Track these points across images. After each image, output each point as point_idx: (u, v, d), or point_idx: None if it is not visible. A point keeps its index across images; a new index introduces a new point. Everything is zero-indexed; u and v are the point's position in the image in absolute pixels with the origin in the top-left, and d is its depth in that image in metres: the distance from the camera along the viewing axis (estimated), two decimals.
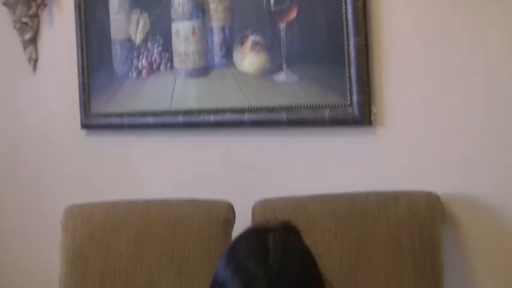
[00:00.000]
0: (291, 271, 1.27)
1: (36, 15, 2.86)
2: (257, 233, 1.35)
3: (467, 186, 1.81)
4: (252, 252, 1.30)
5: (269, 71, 2.14)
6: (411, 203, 1.80)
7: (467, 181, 1.81)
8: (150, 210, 1.95)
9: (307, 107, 2.04)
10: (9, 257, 3.21)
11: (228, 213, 1.92)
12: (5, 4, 2.90)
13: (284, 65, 2.10)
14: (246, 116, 2.19)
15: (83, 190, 2.69)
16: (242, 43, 2.21)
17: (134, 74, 2.52)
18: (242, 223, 1.50)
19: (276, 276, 1.25)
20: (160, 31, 2.44)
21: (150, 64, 2.49)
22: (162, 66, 2.45)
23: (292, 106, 2.08)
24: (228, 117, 2.25)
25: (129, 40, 2.54)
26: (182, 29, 2.37)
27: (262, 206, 1.89)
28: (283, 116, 2.09)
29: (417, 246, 1.77)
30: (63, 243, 1.93)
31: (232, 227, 1.91)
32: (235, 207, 1.94)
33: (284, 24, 2.09)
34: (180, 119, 2.37)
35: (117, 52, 2.59)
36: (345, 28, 1.95)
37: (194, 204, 1.97)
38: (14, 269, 3.19)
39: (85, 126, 2.68)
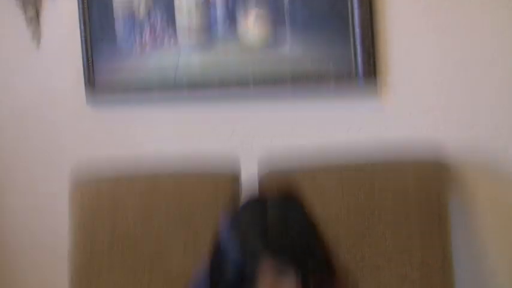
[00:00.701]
0: (290, 238, 1.29)
1: None
2: (257, 202, 1.38)
3: (476, 151, 1.81)
4: (252, 220, 1.32)
5: (273, 43, 2.14)
6: (418, 169, 1.80)
7: (476, 146, 1.81)
8: (156, 183, 1.95)
9: (312, 78, 2.04)
10: (19, 230, 3.23)
11: (234, 184, 1.93)
12: None
13: (288, 37, 2.10)
14: (251, 89, 2.19)
15: (89, 165, 2.69)
16: (246, 16, 2.20)
17: (138, 49, 2.52)
18: (249, 194, 1.51)
19: (275, 244, 1.27)
20: (163, 5, 2.43)
21: (154, 39, 2.48)
22: (165, 41, 2.44)
23: (297, 78, 2.08)
24: (233, 90, 2.24)
25: (132, 15, 2.53)
26: (185, 3, 2.35)
27: (269, 177, 1.90)
28: (288, 87, 2.09)
29: (424, 213, 1.77)
30: (71, 218, 1.94)
31: (239, 198, 1.91)
32: (241, 179, 1.94)
33: None
34: (185, 93, 2.37)
35: (120, 28, 2.58)
36: None
37: (201, 176, 1.98)
38: (24, 240, 3.21)
39: (90, 101, 2.68)
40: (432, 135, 1.88)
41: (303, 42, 2.07)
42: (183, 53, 2.38)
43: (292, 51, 2.09)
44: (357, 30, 1.94)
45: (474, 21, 1.78)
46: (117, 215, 1.92)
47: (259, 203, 1.38)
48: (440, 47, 1.84)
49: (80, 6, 2.66)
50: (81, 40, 2.67)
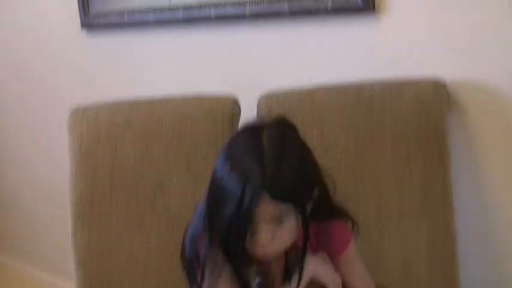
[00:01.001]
0: (286, 168, 1.29)
1: None
2: (252, 131, 1.36)
3: (474, 71, 1.79)
4: (247, 150, 1.31)
5: None
6: (417, 90, 1.79)
7: (474, 66, 1.78)
8: (155, 109, 1.94)
9: None
10: (20, 162, 3.25)
11: (233, 108, 1.91)
12: None
13: None
14: (248, 9, 2.14)
15: (87, 90, 2.69)
16: None
17: None
18: (248, 117, 1.50)
19: (272, 174, 1.26)
20: None
21: None
22: None
23: None
24: (229, 10, 2.20)
25: None
26: None
27: (267, 99, 1.88)
28: (285, 7, 2.05)
29: (424, 134, 1.77)
30: (70, 146, 1.94)
31: (238, 122, 1.91)
32: (240, 102, 1.93)
33: None
34: (181, 14, 2.33)
35: None
36: None
37: (199, 100, 1.96)
38: (24, 172, 3.24)
39: (85, 25, 2.65)
40: (431, 51, 1.85)
41: None
42: None
43: None
44: None
45: None
46: (117, 142, 1.91)
47: (255, 128, 1.37)
48: None
49: None
50: None
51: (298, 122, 1.43)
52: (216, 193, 1.31)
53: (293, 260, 1.41)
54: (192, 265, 1.43)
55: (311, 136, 1.42)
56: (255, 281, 1.37)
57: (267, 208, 1.27)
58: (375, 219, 1.81)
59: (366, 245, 1.77)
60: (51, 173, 2.94)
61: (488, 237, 1.89)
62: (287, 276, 1.41)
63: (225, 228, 1.28)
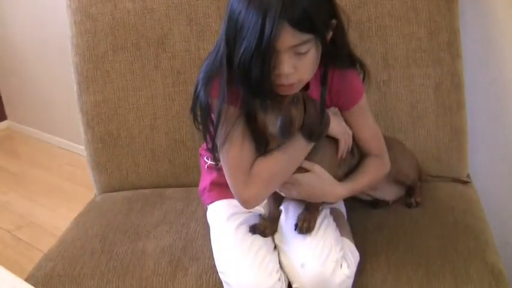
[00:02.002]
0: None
1: None
2: None
3: None
4: None
5: None
6: None
7: None
8: None
9: None
10: (21, 28, 3.22)
11: None
12: None
13: None
14: None
15: None
16: None
17: None
18: None
19: (289, 4, 1.23)
20: None
21: None
22: None
23: None
24: None
25: None
26: None
27: None
28: None
29: None
30: (68, 5, 1.89)
31: None
32: None
33: None
34: None
35: None
36: None
37: None
38: (28, 37, 3.21)
39: None
40: None
41: None
42: None
43: None
44: None
45: None
46: (116, 1, 1.87)
47: None
48: None
49: None
50: None
51: None
52: (234, 29, 1.27)
53: (311, 112, 1.39)
54: (205, 114, 1.42)
55: None
56: (278, 121, 1.34)
57: (288, 37, 1.25)
58: (381, 69, 1.79)
59: (374, 94, 1.78)
60: (56, 35, 2.91)
61: (495, 84, 1.88)
62: (305, 128, 1.40)
63: (247, 61, 1.26)
